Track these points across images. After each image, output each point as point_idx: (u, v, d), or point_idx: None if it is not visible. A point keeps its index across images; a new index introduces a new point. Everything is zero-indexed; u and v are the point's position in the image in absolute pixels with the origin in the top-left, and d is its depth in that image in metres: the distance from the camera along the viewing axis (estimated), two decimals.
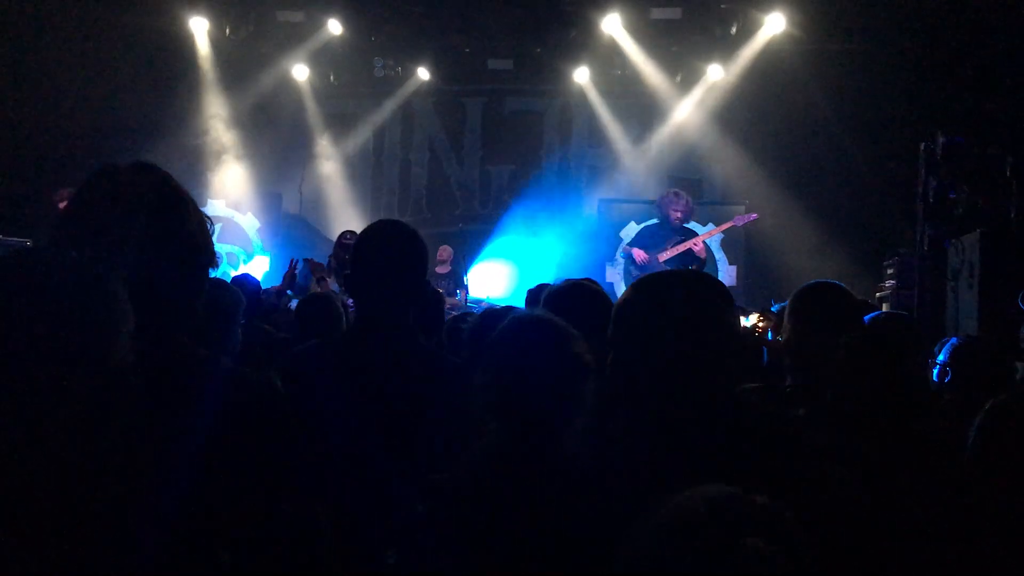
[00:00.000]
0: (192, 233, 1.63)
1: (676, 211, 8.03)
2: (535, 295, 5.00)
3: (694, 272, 1.84)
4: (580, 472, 1.72)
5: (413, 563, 1.75)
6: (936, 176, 7.43)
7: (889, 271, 8.41)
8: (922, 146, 7.58)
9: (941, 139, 7.40)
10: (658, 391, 1.64)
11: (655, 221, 8.29)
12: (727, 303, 1.73)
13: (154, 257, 1.53)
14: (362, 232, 2.49)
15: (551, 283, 5.04)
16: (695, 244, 7.93)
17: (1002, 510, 2.30)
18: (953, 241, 7.23)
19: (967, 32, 8.53)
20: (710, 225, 9.90)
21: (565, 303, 2.63)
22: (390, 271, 2.36)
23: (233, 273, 10.74)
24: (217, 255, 1.73)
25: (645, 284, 1.81)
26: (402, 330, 2.40)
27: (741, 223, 8.70)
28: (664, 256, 7.93)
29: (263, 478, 1.55)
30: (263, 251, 11.43)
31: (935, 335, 7.24)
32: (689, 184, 11.48)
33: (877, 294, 8.47)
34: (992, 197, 7.06)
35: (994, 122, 7.69)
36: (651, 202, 10.48)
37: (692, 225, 8.43)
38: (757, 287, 10.19)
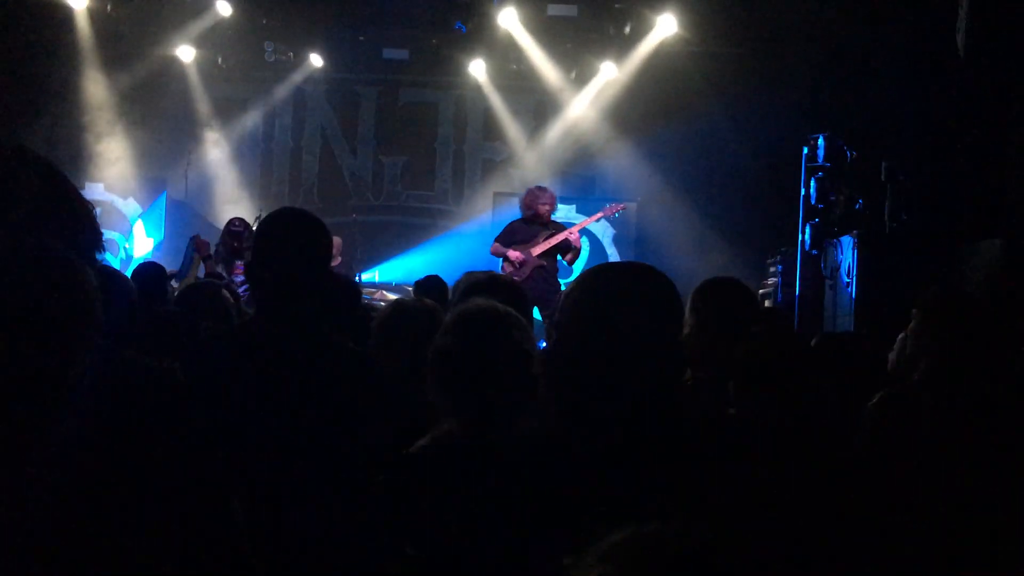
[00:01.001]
0: (77, 216, 1.58)
1: (544, 205, 8.06)
2: (424, 287, 5.02)
3: (644, 265, 1.86)
4: (532, 462, 1.71)
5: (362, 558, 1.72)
6: (817, 178, 7.76)
7: (772, 269, 8.76)
8: (804, 148, 7.90)
9: (822, 142, 7.73)
10: (601, 378, 1.65)
11: (518, 217, 8.30)
12: (675, 296, 1.75)
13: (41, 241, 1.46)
14: (265, 220, 2.44)
15: (436, 275, 5.10)
16: (571, 234, 8.01)
17: (892, 502, 2.43)
18: (832, 241, 7.57)
19: (848, 39, 8.93)
20: (602, 222, 10.07)
21: (487, 295, 2.63)
22: (294, 261, 2.31)
23: (119, 263, 10.33)
24: (104, 239, 1.68)
25: (596, 272, 1.82)
26: (306, 320, 2.36)
27: (610, 213, 8.87)
28: (538, 250, 7.95)
29: (163, 466, 1.50)
30: (147, 229, 11.00)
31: (814, 331, 7.59)
32: (581, 180, 11.67)
33: (760, 291, 8.79)
34: (868, 199, 7.41)
35: (872, 127, 8.07)
36: None
37: (568, 217, 8.57)
38: None
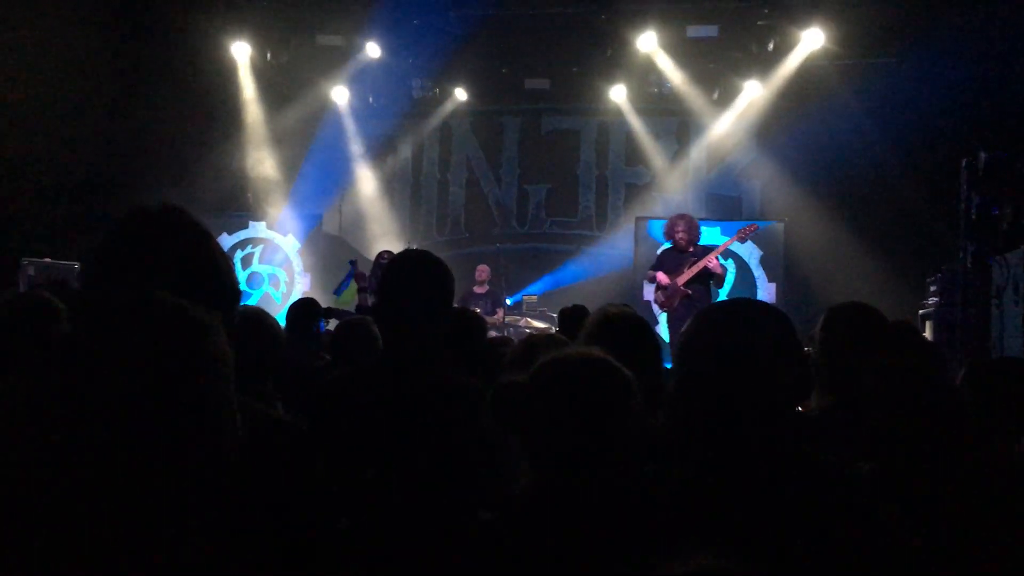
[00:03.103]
0: (221, 275, 1.67)
1: (679, 232, 8.07)
2: (569, 316, 5.02)
3: (754, 301, 1.85)
4: (627, 515, 1.70)
5: None
6: (979, 192, 7.32)
7: (932, 288, 8.29)
8: (964, 162, 7.47)
9: (983, 154, 7.28)
10: (723, 426, 1.65)
11: (668, 246, 8.32)
12: (791, 330, 1.73)
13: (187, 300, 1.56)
14: (386, 264, 2.54)
15: (582, 305, 5.07)
16: (709, 261, 7.93)
17: None
18: (997, 257, 7.11)
19: (1007, 45, 8.40)
20: (749, 244, 9.86)
21: (611, 334, 2.63)
22: (414, 301, 2.40)
23: (281, 296, 10.92)
24: (243, 292, 1.76)
25: (708, 315, 1.81)
26: (428, 358, 2.43)
27: (742, 237, 8.62)
28: (683, 279, 7.94)
29: (289, 525, 1.56)
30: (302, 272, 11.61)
31: (981, 354, 7.13)
32: (727, 201, 11.45)
33: (920, 311, 8.35)
34: None
35: None
36: None
37: (711, 242, 8.41)
38: (797, 305, 10.08)
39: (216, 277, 1.66)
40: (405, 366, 2.38)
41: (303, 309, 4.96)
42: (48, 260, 8.51)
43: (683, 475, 1.70)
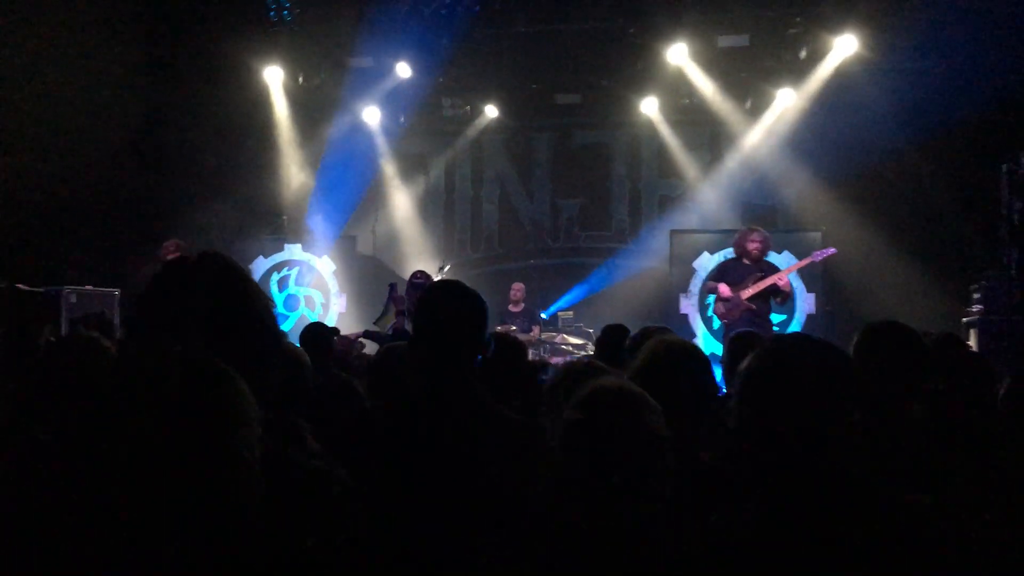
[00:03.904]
0: (259, 319, 1.67)
1: (753, 242, 7.91)
2: (610, 338, 4.94)
3: (814, 339, 1.84)
4: (663, 551, 1.68)
5: None
6: (1020, 197, 7.18)
7: (976, 295, 8.12)
8: (1004, 167, 7.33)
9: None
10: (788, 461, 1.65)
11: (732, 256, 8.18)
12: (850, 369, 1.72)
13: (224, 347, 1.56)
14: (419, 297, 2.53)
15: (621, 325, 5.00)
16: (780, 279, 7.75)
17: None
18: None
19: None
20: (786, 254, 9.74)
21: (669, 365, 2.60)
22: (447, 334, 2.38)
23: (317, 317, 10.99)
24: (282, 334, 1.77)
25: (772, 353, 1.80)
26: (466, 392, 2.40)
27: (819, 258, 8.46)
28: (747, 293, 7.76)
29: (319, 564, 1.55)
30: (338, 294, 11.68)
31: None
32: (762, 211, 11.33)
33: (964, 319, 8.19)
34: None
35: None
36: (724, 232, 10.37)
37: (770, 256, 8.25)
38: (837, 315, 9.94)
39: (253, 322, 1.66)
40: (445, 399, 2.36)
41: (314, 333, 4.98)
42: (89, 288, 8.63)
43: (756, 513, 1.71)
